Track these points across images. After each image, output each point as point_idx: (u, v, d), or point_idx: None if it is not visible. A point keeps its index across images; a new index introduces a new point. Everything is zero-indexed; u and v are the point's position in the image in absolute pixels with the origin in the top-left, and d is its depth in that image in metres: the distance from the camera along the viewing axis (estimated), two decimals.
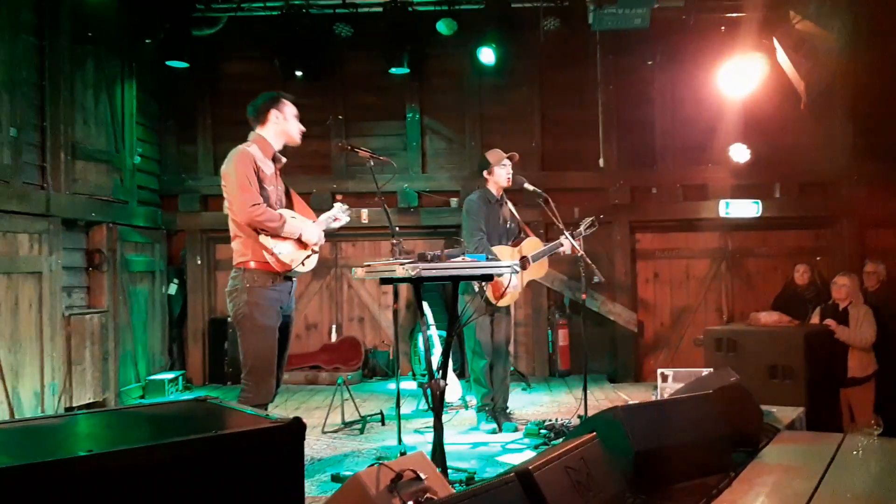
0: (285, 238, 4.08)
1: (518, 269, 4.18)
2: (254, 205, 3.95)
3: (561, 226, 5.52)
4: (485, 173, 5.82)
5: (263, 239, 3.99)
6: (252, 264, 4.01)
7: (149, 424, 2.23)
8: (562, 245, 5.67)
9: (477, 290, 5.39)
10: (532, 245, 5.75)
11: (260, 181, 4.06)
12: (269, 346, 4.02)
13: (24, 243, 6.30)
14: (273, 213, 4.02)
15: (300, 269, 4.16)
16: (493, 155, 5.81)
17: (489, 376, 5.68)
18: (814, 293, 7.77)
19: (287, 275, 4.13)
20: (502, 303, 5.45)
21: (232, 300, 4.06)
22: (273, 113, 4.24)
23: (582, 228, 5.78)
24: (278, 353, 4.11)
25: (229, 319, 4.16)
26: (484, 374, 5.66)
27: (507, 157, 5.74)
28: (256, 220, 3.96)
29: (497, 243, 5.64)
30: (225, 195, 4.10)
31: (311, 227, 4.23)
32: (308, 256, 4.20)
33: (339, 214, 4.43)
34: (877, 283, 7.47)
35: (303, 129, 4.38)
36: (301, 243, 4.17)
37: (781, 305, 7.55)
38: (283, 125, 4.28)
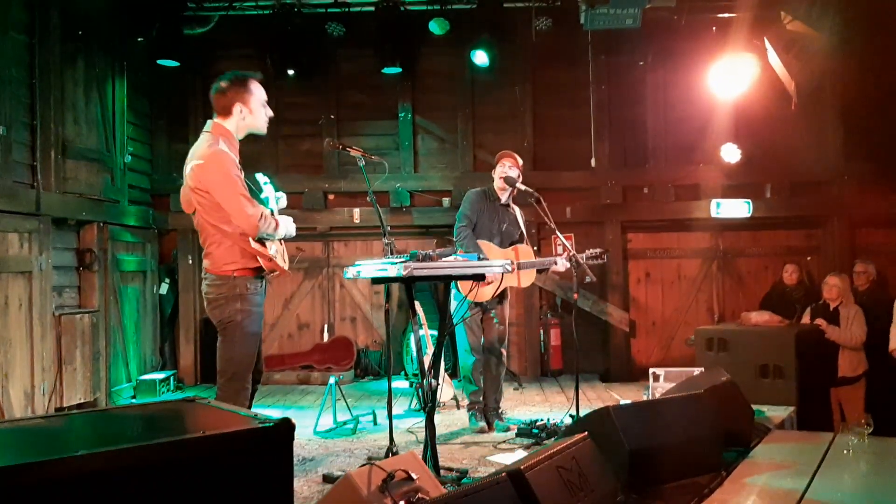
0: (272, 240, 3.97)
1: (508, 268, 4.17)
2: (261, 218, 3.78)
3: (553, 225, 5.50)
4: (493, 172, 5.84)
5: (254, 244, 3.84)
6: (237, 272, 3.85)
7: (137, 425, 2.22)
8: (555, 263, 5.62)
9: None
10: (523, 253, 5.69)
11: None
12: (252, 353, 3.93)
13: (14, 242, 6.26)
14: (271, 220, 3.87)
15: (287, 267, 4.10)
16: (497, 155, 5.84)
17: (479, 374, 5.68)
18: (802, 293, 7.80)
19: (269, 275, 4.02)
20: (470, 297, 5.30)
21: (218, 307, 3.87)
22: (237, 107, 3.91)
23: (585, 255, 5.62)
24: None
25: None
26: (473, 373, 5.66)
27: (505, 157, 5.72)
28: (263, 232, 3.82)
29: (486, 240, 5.61)
30: (200, 200, 3.82)
31: (289, 222, 4.08)
32: (284, 252, 4.11)
33: (278, 194, 4.16)
34: (866, 282, 7.51)
35: (271, 114, 4.07)
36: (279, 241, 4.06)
37: (769, 305, 7.58)
38: (248, 121, 3.97)
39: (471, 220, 5.60)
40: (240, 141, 4.01)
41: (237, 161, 3.90)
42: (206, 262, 3.94)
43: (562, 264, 5.61)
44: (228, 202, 3.76)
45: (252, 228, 3.78)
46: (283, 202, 4.19)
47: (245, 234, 3.82)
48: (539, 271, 5.89)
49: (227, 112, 3.92)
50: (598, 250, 5.77)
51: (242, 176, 3.88)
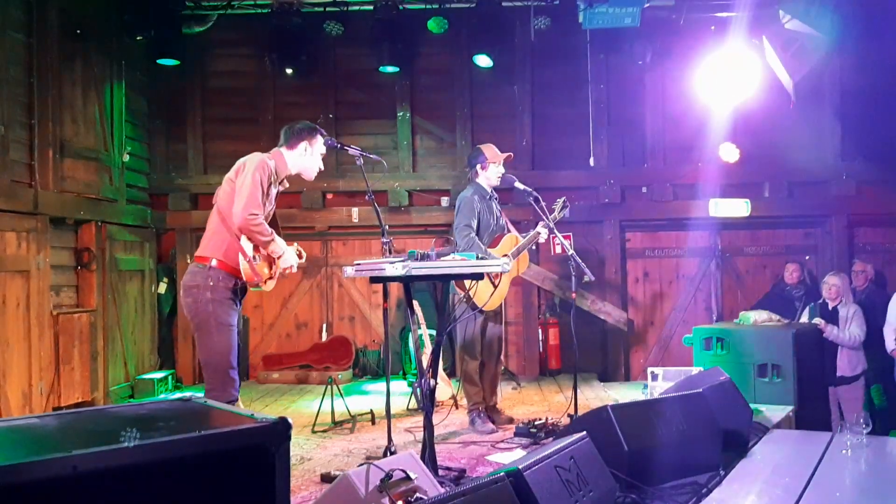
0: (261, 252, 4.09)
1: (507, 268, 4.16)
2: (252, 214, 3.95)
3: (551, 225, 5.50)
4: (478, 167, 5.73)
5: (245, 243, 3.99)
6: (216, 262, 4.01)
7: (133, 424, 2.21)
8: (539, 234, 5.62)
9: (462, 294, 5.32)
10: (509, 242, 5.66)
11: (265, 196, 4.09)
12: (232, 343, 4.02)
13: (12, 241, 6.26)
14: (266, 228, 4.04)
15: (262, 287, 4.16)
16: (490, 150, 5.73)
17: (480, 376, 5.65)
18: (802, 292, 7.81)
19: (245, 285, 4.13)
20: (479, 302, 5.23)
21: (191, 295, 4.01)
22: (303, 144, 4.33)
23: (556, 212, 5.71)
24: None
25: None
26: (475, 374, 5.63)
27: (501, 157, 5.70)
28: (248, 229, 3.96)
29: (490, 240, 5.60)
30: (225, 189, 4.09)
31: (290, 252, 4.25)
32: (271, 279, 4.21)
33: (300, 250, 4.39)
34: (865, 281, 7.53)
35: (322, 168, 4.49)
36: (269, 264, 4.16)
37: (769, 304, 7.58)
38: (307, 160, 4.37)
39: (473, 227, 5.51)
40: (252, 154, 4.20)
41: (279, 179, 4.27)
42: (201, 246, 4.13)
43: (543, 233, 5.62)
44: (239, 189, 4.00)
45: (240, 218, 3.94)
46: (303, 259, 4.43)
47: (239, 228, 3.96)
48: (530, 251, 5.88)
49: (293, 145, 4.35)
50: (561, 200, 5.80)
51: (272, 191, 4.17)
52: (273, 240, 4.09)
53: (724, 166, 8.66)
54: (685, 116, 8.56)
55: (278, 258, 4.17)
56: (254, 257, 4.00)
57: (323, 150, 4.45)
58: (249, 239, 4.00)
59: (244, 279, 4.04)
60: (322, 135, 4.43)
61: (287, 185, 4.40)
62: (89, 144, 7.46)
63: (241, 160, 4.14)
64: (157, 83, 8.86)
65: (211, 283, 3.99)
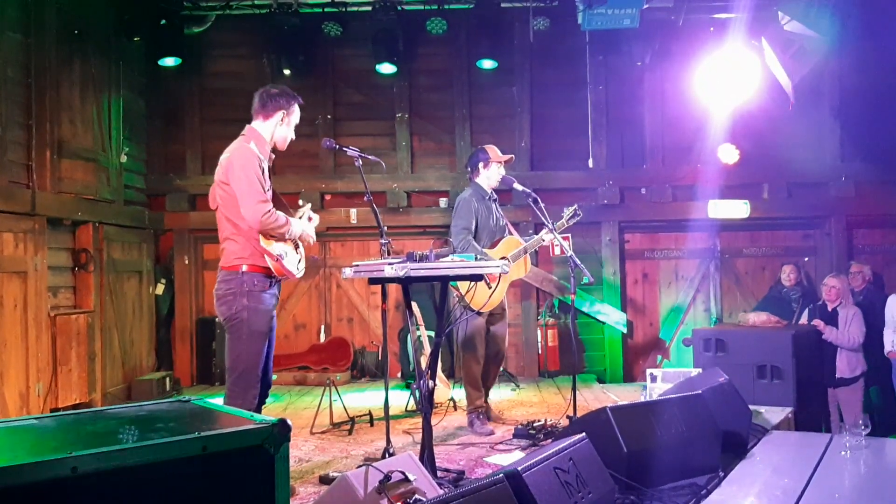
0: (285, 241, 4.00)
1: (506, 269, 4.14)
2: (267, 212, 3.84)
3: (550, 226, 5.48)
4: (480, 165, 5.70)
5: (265, 243, 3.88)
6: (246, 267, 3.90)
7: (132, 425, 2.21)
8: (543, 240, 5.58)
9: (457, 297, 5.29)
10: (510, 244, 5.63)
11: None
12: (260, 351, 3.95)
13: (10, 242, 6.24)
14: (281, 218, 3.92)
15: (298, 274, 4.10)
16: (493, 150, 5.71)
17: (481, 378, 5.62)
18: (800, 294, 7.80)
19: (279, 278, 4.04)
20: (475, 304, 5.20)
21: (225, 303, 3.92)
22: (280, 113, 4.11)
23: (565, 219, 5.67)
24: (266, 355, 4.05)
25: (218, 320, 4.01)
26: (479, 377, 5.60)
27: (503, 159, 5.68)
28: (269, 227, 3.86)
29: (489, 241, 5.58)
30: (221, 194, 3.96)
31: (308, 227, 4.18)
32: (300, 260, 4.15)
33: (310, 214, 4.32)
34: (862, 282, 7.53)
35: (294, 137, 4.26)
36: (294, 246, 4.09)
37: (767, 307, 7.58)
38: (282, 130, 4.16)
39: (470, 229, 5.49)
40: (234, 148, 4.05)
41: (266, 163, 4.05)
42: (221, 260, 4.04)
43: (548, 238, 5.58)
44: (241, 191, 3.87)
45: (256, 221, 3.83)
46: (314, 219, 4.32)
47: (253, 229, 3.86)
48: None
49: (268, 115, 4.13)
50: (572, 208, 5.73)
51: (265, 177, 3.99)
52: (289, 225, 3.98)
53: (723, 167, 8.66)
54: (684, 117, 8.56)
55: (299, 238, 4.11)
56: (279, 256, 3.91)
57: (298, 118, 4.23)
58: (269, 235, 3.90)
59: (279, 275, 3.99)
60: (299, 103, 4.22)
61: (273, 156, 4.20)
62: (87, 145, 7.44)
63: (225, 158, 3.98)
64: (155, 84, 8.85)
65: (247, 289, 3.88)
